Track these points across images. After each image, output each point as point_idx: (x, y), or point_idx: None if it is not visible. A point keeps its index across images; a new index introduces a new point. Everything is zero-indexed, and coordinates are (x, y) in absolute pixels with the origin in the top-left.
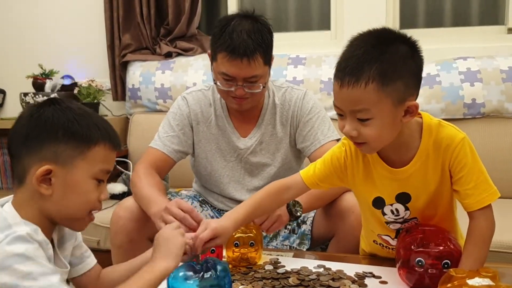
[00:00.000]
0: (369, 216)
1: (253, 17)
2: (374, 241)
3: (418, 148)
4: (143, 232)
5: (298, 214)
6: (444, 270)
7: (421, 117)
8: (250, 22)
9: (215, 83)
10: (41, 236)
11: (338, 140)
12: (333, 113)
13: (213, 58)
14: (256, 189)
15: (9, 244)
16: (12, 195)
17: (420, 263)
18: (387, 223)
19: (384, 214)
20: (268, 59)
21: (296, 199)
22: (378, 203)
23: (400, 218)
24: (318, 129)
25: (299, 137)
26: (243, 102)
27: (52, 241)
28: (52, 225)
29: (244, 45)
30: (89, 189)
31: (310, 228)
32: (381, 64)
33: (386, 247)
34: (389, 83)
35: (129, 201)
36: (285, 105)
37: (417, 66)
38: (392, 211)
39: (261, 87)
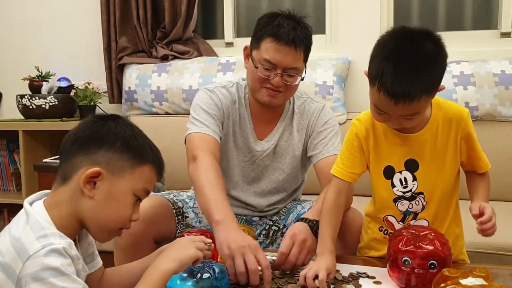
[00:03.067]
0: (380, 191)
1: (297, 18)
2: (380, 228)
3: (428, 120)
4: (149, 234)
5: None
6: (430, 270)
7: None
8: (295, 20)
9: (256, 67)
10: (74, 251)
11: None
12: None
13: (254, 47)
14: (263, 193)
15: (46, 256)
16: (40, 192)
17: (406, 263)
18: (395, 201)
19: (393, 186)
20: (306, 57)
21: (312, 219)
22: (388, 172)
23: (408, 192)
24: (330, 140)
25: (310, 146)
26: (277, 95)
27: (74, 240)
28: (80, 228)
29: (293, 34)
30: (127, 203)
31: None
32: (428, 79)
33: (389, 234)
34: (435, 90)
35: None
36: (304, 115)
37: (446, 60)
38: (400, 181)
39: (298, 79)
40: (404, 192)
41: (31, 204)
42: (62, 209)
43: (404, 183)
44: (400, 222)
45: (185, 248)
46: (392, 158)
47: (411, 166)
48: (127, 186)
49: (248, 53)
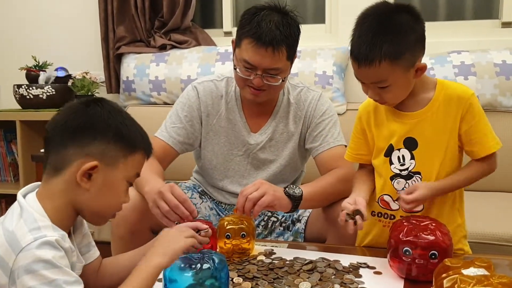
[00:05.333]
0: (379, 168)
1: (283, 11)
2: (372, 212)
3: (430, 100)
4: (145, 222)
5: (298, 194)
6: (431, 260)
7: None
8: (280, 15)
9: (235, 69)
10: (67, 243)
11: (346, 146)
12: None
13: (237, 45)
14: None
15: (38, 248)
16: (33, 184)
17: (407, 253)
18: (392, 178)
19: (391, 163)
20: (291, 55)
21: (298, 186)
22: (388, 150)
23: (405, 170)
24: (329, 132)
25: (309, 137)
26: (260, 94)
27: (69, 232)
28: (75, 216)
29: (272, 35)
30: (121, 190)
31: (303, 227)
32: (389, 44)
33: (384, 215)
34: (399, 57)
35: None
36: (300, 105)
37: (421, 31)
38: (398, 158)
39: (280, 80)
40: (401, 170)
41: (24, 196)
42: (56, 200)
43: (401, 160)
44: (396, 201)
45: (174, 240)
46: (392, 135)
47: (410, 144)
48: (121, 175)
49: (234, 47)
